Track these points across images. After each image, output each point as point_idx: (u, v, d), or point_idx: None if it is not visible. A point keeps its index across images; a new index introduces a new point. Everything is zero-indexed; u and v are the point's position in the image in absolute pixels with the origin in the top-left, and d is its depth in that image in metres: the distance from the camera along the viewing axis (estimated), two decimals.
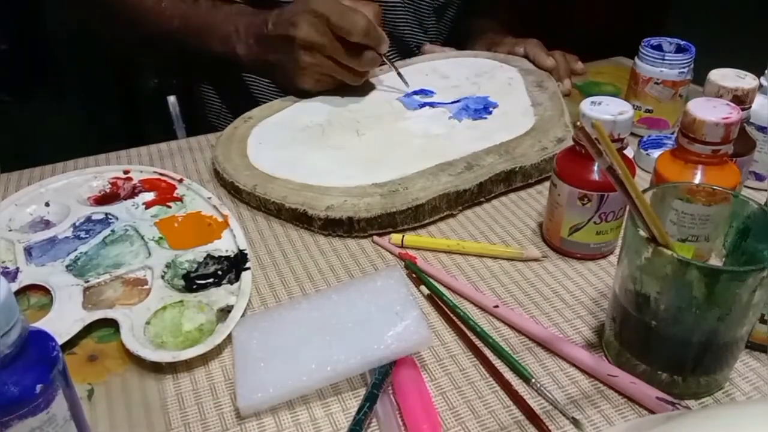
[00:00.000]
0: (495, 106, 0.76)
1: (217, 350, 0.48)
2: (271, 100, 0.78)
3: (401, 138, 0.70)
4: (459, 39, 0.99)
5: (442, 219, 0.63)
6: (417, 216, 0.61)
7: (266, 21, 0.73)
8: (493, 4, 1.04)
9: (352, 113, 0.74)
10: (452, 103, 0.76)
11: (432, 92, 0.79)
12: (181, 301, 0.51)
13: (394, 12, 0.90)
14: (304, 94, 0.77)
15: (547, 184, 0.60)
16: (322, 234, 0.61)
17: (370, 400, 0.43)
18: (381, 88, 0.79)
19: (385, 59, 0.75)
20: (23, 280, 0.53)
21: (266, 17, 0.73)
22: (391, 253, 0.59)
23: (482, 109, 0.75)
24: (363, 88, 0.79)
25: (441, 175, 0.63)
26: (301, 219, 0.61)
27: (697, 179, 0.52)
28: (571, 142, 0.57)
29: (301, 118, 0.73)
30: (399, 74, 0.77)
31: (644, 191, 0.43)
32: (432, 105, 0.76)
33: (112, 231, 0.59)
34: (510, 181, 0.66)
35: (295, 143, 0.69)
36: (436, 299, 0.53)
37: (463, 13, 1.03)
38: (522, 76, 0.82)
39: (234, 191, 0.65)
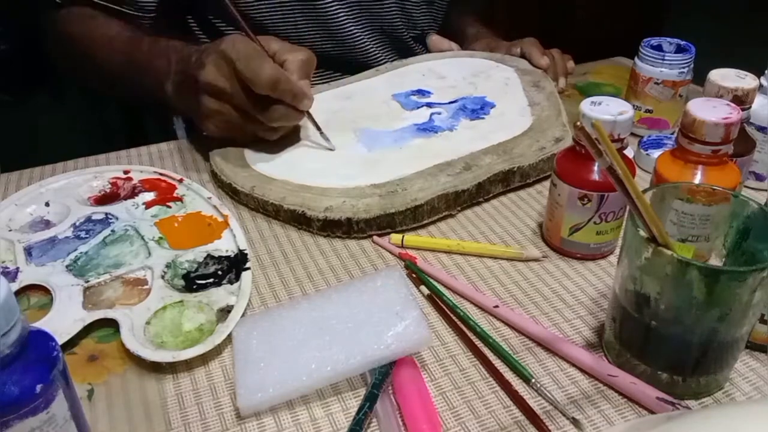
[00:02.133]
0: (492, 106, 0.76)
1: (217, 350, 0.48)
2: None
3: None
4: (453, 38, 0.99)
5: (441, 219, 0.63)
6: (416, 216, 0.61)
7: (191, 57, 0.66)
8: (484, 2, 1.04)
9: (349, 114, 0.74)
10: (449, 103, 0.76)
11: (429, 92, 0.79)
12: (181, 301, 0.51)
13: (381, 5, 0.89)
14: (223, 140, 0.69)
15: (546, 184, 0.60)
16: (321, 235, 0.61)
17: (370, 400, 0.43)
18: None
19: (307, 115, 0.67)
20: (23, 280, 0.53)
21: (192, 53, 0.66)
22: (391, 253, 0.59)
23: (479, 109, 0.75)
24: (359, 89, 0.79)
25: (439, 175, 0.63)
26: (299, 220, 0.61)
27: (697, 179, 0.52)
28: (568, 142, 0.57)
29: None
30: (322, 134, 0.68)
31: (644, 191, 0.43)
32: (429, 105, 0.76)
33: (112, 231, 0.59)
34: (508, 181, 0.66)
35: (294, 144, 0.69)
36: (436, 299, 0.53)
37: (457, 12, 1.03)
38: (519, 76, 0.82)
39: (232, 193, 0.65)
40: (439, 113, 0.74)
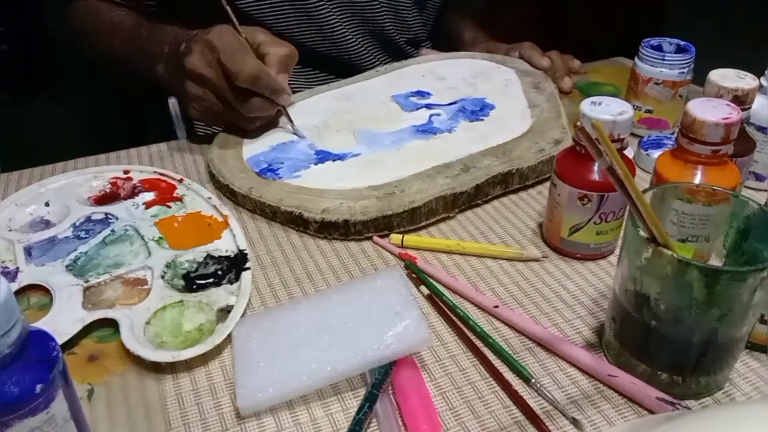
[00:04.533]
0: (492, 107, 0.75)
1: (217, 350, 0.48)
2: None
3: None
4: (450, 45, 0.99)
5: (438, 222, 0.62)
6: (413, 218, 0.61)
7: (181, 42, 0.69)
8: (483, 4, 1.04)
9: (348, 115, 0.74)
10: (449, 104, 0.76)
11: (429, 94, 0.79)
12: (181, 301, 0.51)
13: (373, 9, 0.89)
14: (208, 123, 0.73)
15: (546, 185, 0.60)
16: (319, 236, 0.61)
17: (370, 400, 0.43)
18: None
19: (282, 110, 0.70)
20: (23, 280, 0.53)
21: (183, 39, 0.69)
22: (391, 253, 0.59)
23: (479, 110, 0.75)
24: (359, 90, 0.79)
25: (437, 177, 0.63)
26: (296, 222, 0.61)
27: (697, 179, 0.52)
28: (567, 144, 0.57)
29: (297, 120, 0.73)
30: (293, 126, 0.71)
31: (644, 191, 0.43)
32: (429, 107, 0.76)
33: (112, 231, 0.59)
34: (507, 183, 0.66)
35: (291, 145, 0.69)
36: (436, 299, 0.53)
37: (454, 16, 1.03)
38: (519, 78, 0.82)
39: (230, 194, 0.65)
40: (438, 115, 0.74)
